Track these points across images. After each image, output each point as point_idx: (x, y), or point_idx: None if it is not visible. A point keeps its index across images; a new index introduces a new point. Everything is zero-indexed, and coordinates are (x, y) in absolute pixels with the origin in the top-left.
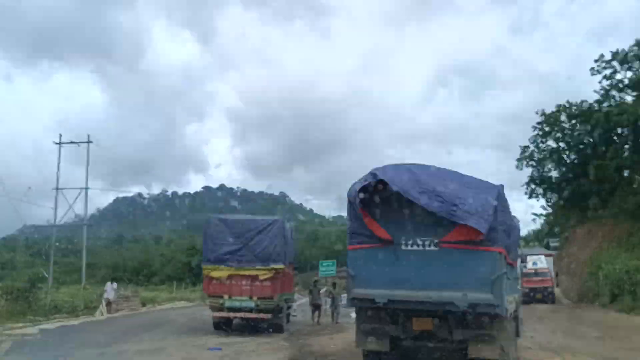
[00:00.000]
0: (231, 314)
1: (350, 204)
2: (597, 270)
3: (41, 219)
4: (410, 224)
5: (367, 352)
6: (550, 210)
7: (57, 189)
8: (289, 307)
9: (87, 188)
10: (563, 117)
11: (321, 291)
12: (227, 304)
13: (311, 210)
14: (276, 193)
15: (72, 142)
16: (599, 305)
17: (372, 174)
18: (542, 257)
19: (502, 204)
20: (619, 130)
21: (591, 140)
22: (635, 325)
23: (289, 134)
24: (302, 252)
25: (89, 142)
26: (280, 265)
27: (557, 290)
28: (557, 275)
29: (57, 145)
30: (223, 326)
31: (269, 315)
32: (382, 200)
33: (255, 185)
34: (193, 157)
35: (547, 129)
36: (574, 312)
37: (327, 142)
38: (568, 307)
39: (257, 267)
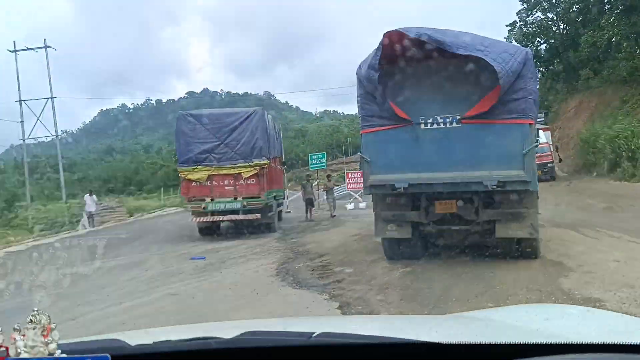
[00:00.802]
0: (215, 218)
1: (361, 82)
2: (593, 139)
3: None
4: (429, 100)
5: (387, 241)
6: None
7: (19, 101)
8: (279, 205)
9: (52, 98)
10: None
11: (314, 185)
12: (210, 207)
13: (297, 107)
14: (260, 93)
15: (28, 49)
16: (598, 176)
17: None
18: (541, 131)
19: (530, 71)
20: None
21: (581, 6)
22: (637, 192)
23: (269, 30)
24: (291, 149)
25: (46, 47)
26: (264, 161)
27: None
28: (557, 150)
29: (14, 54)
30: (210, 232)
31: (258, 216)
32: (396, 75)
33: (239, 87)
34: (173, 63)
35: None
36: (573, 184)
37: (308, 37)
38: (566, 180)
39: (239, 164)
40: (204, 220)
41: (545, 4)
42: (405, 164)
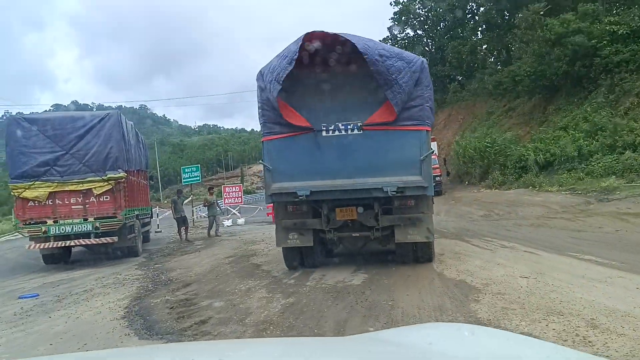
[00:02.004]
0: (60, 243)
1: (262, 89)
2: (463, 150)
3: None
4: (330, 107)
5: (288, 250)
6: None
7: None
8: (145, 225)
9: None
10: (418, 5)
11: (186, 201)
12: (53, 231)
13: (176, 121)
14: (136, 106)
15: None
16: (470, 185)
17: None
18: None
19: (427, 79)
20: (475, 8)
21: (447, 23)
22: (508, 199)
23: (146, 40)
24: (169, 164)
25: None
26: (120, 174)
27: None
28: (445, 162)
29: None
30: (56, 259)
31: (114, 239)
32: (299, 81)
33: (113, 99)
34: (37, 73)
35: (403, 18)
36: (448, 194)
37: (188, 49)
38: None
39: (89, 178)
40: (46, 246)
41: (414, 21)
42: (307, 171)
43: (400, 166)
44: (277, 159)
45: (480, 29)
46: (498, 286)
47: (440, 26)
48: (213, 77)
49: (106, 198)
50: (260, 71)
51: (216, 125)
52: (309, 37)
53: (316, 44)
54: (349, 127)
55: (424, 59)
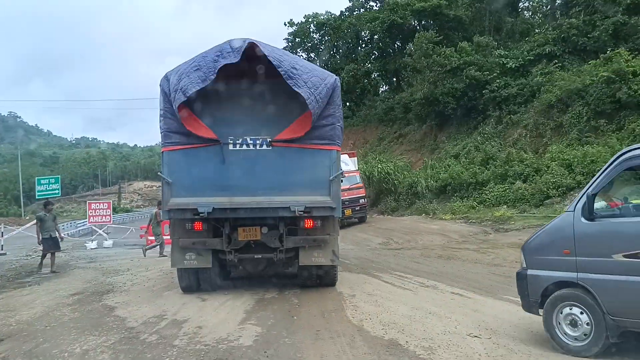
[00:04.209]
0: None
1: (165, 95)
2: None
3: None
4: (239, 119)
5: (184, 272)
6: None
7: None
8: None
9: None
10: (312, 28)
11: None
12: None
13: (49, 132)
14: (4, 113)
15: None
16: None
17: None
18: (346, 156)
19: (339, 98)
20: (367, 36)
21: (340, 49)
22: (404, 226)
23: (21, 44)
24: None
25: None
26: None
27: None
28: (394, 182)
29: None
30: None
31: None
32: (205, 91)
33: None
34: None
35: (297, 40)
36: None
37: (69, 56)
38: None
39: None
40: None
41: (308, 44)
42: (210, 186)
43: (308, 185)
44: (177, 172)
45: (372, 56)
46: (447, 353)
47: (333, 51)
48: (96, 88)
49: None
50: (165, 75)
51: (96, 138)
52: (236, 53)
53: (233, 57)
54: (257, 141)
55: (337, 77)
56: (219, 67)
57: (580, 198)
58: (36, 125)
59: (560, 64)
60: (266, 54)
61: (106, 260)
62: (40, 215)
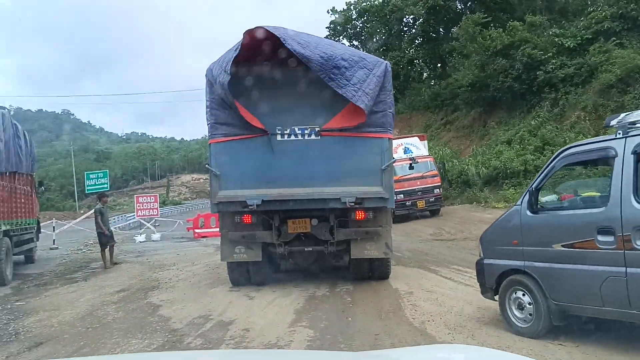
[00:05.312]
0: None
1: (211, 85)
2: None
3: None
4: (287, 109)
5: (233, 265)
6: None
7: None
8: (26, 242)
9: None
10: (354, 14)
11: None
12: None
13: (102, 128)
14: (58, 111)
15: None
16: None
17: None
18: (416, 139)
19: (390, 84)
20: (410, 21)
21: (383, 35)
22: (455, 215)
23: (75, 41)
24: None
25: None
26: None
27: None
28: (444, 167)
29: None
30: None
31: None
32: (252, 79)
33: (33, 103)
34: None
35: (339, 27)
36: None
37: (119, 53)
38: None
39: None
40: None
41: (351, 32)
42: (259, 178)
43: (359, 175)
44: (225, 164)
45: (417, 41)
46: None
47: (376, 38)
48: (144, 83)
49: None
50: (209, 67)
51: (145, 133)
52: (257, 32)
53: (261, 34)
54: (305, 131)
55: (388, 63)
56: (246, 34)
57: (526, 193)
58: (88, 121)
59: (619, 42)
60: (307, 55)
61: (153, 254)
62: (100, 208)
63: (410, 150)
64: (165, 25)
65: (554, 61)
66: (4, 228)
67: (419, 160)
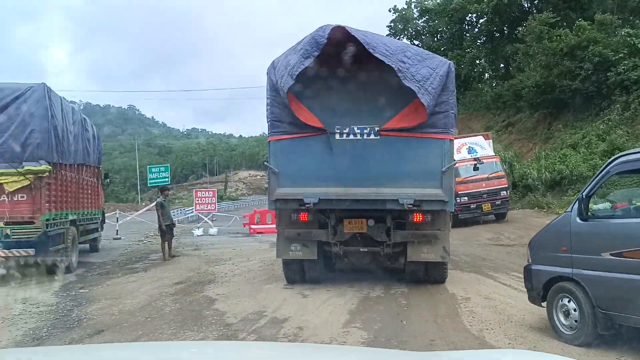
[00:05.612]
0: None
1: (272, 84)
2: None
3: None
4: (346, 108)
5: (289, 263)
6: None
7: None
8: (91, 232)
9: None
10: (415, 13)
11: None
12: None
13: (164, 123)
14: (124, 106)
15: None
16: None
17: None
18: (481, 137)
19: (453, 84)
20: (474, 20)
21: (445, 34)
22: (515, 219)
23: (141, 39)
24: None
25: None
26: (42, 166)
27: None
28: (511, 169)
29: None
30: None
31: (31, 251)
32: (313, 77)
33: (101, 98)
34: (27, 65)
35: (400, 26)
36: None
37: (182, 51)
38: None
39: (0, 169)
40: None
41: (411, 31)
42: (316, 177)
43: (419, 177)
44: (284, 162)
45: (479, 41)
46: None
47: (437, 37)
48: (206, 81)
49: (22, 197)
50: (272, 63)
51: (205, 129)
52: (332, 32)
53: (335, 42)
54: (365, 131)
55: (451, 63)
56: (321, 42)
57: (576, 200)
58: (152, 117)
59: None
60: (374, 46)
61: (210, 248)
62: (161, 201)
63: (475, 150)
64: (228, 24)
65: (625, 62)
66: (71, 218)
67: (484, 161)
